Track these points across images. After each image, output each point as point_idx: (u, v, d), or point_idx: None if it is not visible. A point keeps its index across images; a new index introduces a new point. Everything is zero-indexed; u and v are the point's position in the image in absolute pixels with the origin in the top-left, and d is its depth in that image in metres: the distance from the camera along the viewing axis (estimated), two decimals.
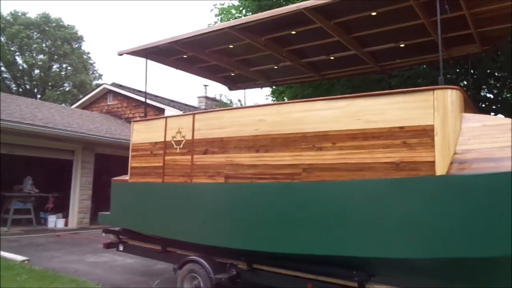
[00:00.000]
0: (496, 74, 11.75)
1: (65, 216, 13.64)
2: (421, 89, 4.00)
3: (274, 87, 11.76)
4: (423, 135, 3.82)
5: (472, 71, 11.83)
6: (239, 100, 21.12)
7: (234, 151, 5.02)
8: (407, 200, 3.81)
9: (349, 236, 4.04)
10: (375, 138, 4.07)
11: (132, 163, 6.22)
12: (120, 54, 6.73)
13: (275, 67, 7.37)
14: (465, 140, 3.76)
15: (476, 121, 3.85)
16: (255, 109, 5.04)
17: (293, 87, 12.26)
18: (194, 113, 5.56)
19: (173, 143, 5.69)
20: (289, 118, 4.63)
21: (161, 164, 5.78)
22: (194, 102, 22.88)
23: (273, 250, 4.54)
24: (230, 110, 5.38)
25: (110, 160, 15.02)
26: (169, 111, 17.03)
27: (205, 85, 24.17)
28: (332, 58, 6.75)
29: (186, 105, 21.21)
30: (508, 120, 3.75)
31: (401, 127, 3.94)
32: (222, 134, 5.15)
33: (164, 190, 5.70)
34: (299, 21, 5.32)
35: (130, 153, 6.27)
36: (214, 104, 22.46)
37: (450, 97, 3.81)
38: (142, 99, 18.06)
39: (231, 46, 6.40)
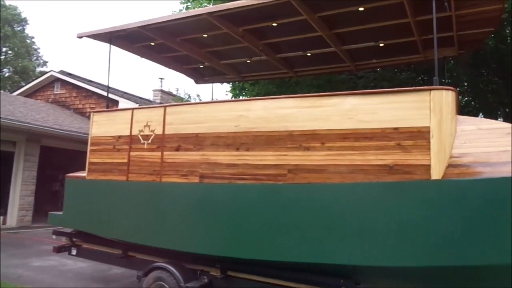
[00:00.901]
0: (444, 80, 12.17)
1: (3, 213, 12.38)
2: (417, 89, 3.84)
3: (239, 82, 11.36)
4: (419, 137, 3.66)
5: (421, 76, 12.17)
6: (198, 95, 20.46)
7: (210, 149, 4.61)
8: (400, 205, 3.63)
9: (338, 243, 3.79)
10: (368, 139, 3.86)
11: (90, 158, 5.59)
12: (80, 37, 6.05)
13: (248, 61, 7.01)
14: (460, 144, 3.64)
15: (471, 124, 3.75)
16: (236, 103, 4.67)
17: (256, 83, 11.95)
18: (166, 106, 5.06)
19: (140, 137, 5.16)
20: (274, 115, 4.31)
21: (125, 160, 5.22)
22: (149, 96, 21.94)
23: (253, 257, 4.19)
24: (208, 104, 4.95)
25: (57, 154, 13.90)
26: (123, 103, 16.10)
27: (161, 78, 23.23)
28: (308, 54, 6.52)
29: (140, 98, 20.23)
30: (503, 124, 3.69)
31: (396, 128, 3.76)
32: (197, 130, 4.72)
33: (129, 189, 5.15)
34: (284, 12, 5.02)
35: (89, 147, 5.63)
36: (170, 99, 21.61)
37: (446, 98, 3.67)
38: (94, 89, 17.00)
39: (205, 36, 5.96)
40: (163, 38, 5.97)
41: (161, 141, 4.97)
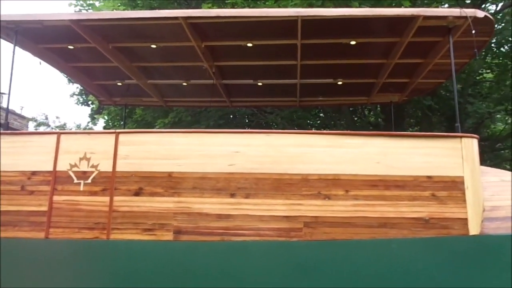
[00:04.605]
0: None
1: None
2: (447, 135, 3.60)
3: (116, 107, 9.67)
4: (453, 187, 3.38)
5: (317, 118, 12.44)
6: (57, 117, 17.27)
7: (191, 194, 3.46)
8: (440, 265, 3.23)
9: None
10: (400, 187, 3.39)
11: None
12: None
13: (184, 84, 5.92)
14: (490, 196, 3.48)
15: (493, 175, 3.65)
16: (230, 136, 3.65)
17: (149, 109, 10.47)
18: (119, 132, 3.66)
19: (72, 175, 3.59)
20: (283, 153, 3.49)
21: (44, 209, 3.55)
22: None
23: None
24: (189, 133, 3.75)
25: None
26: None
27: (2, 93, 19.06)
28: (260, 84, 5.84)
29: None
30: None
31: (429, 177, 3.40)
32: (171, 168, 3.51)
33: (50, 250, 3.47)
34: (274, 30, 4.27)
35: None
36: (12, 119, 17.74)
37: (474, 146, 3.49)
38: None
39: (153, 46, 4.72)
40: (95, 41, 4.48)
41: (110, 182, 3.53)
